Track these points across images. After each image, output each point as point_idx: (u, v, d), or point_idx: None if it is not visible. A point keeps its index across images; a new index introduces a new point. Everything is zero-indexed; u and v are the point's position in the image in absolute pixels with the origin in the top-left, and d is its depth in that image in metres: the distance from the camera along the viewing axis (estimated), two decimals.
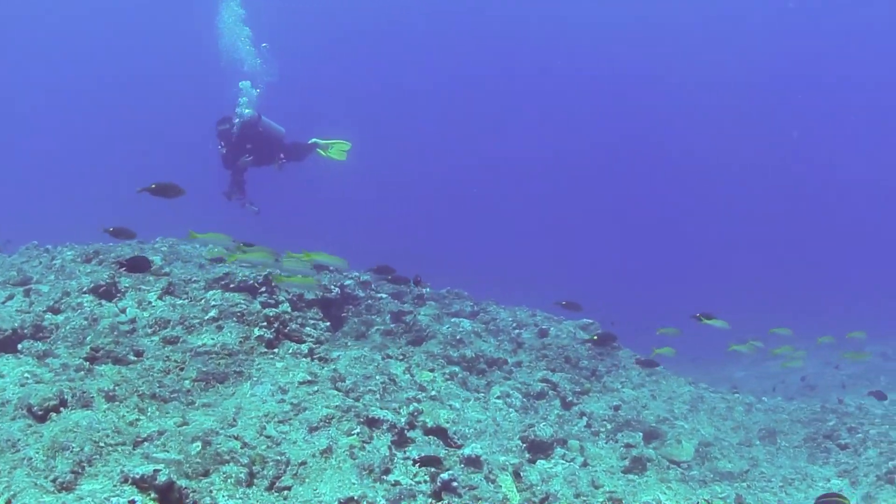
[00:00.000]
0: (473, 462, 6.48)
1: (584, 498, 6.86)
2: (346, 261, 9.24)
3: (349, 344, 9.41)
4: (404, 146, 73.52)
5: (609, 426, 9.55)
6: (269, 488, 5.37)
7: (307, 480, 5.50)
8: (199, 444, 5.45)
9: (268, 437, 5.91)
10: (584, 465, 7.84)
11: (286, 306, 8.95)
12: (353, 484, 5.50)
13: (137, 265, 7.96)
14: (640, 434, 9.22)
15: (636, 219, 68.74)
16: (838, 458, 9.79)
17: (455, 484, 5.95)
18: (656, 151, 73.55)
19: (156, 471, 4.71)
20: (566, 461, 7.70)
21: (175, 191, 8.25)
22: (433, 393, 8.13)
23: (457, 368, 9.37)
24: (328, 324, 9.32)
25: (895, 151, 69.08)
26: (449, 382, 8.90)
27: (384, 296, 11.04)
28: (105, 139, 68.33)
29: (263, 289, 9.01)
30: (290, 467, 5.59)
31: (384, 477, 5.81)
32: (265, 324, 7.89)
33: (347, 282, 10.65)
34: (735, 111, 70.79)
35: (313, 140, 14.43)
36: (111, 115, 67.80)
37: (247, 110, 13.03)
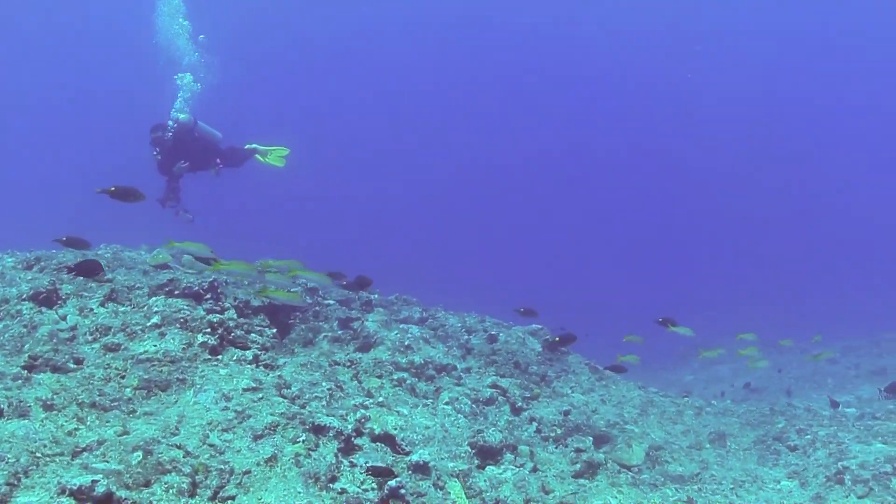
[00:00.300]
0: (421, 469, 6.41)
1: (535, 503, 6.83)
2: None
3: (296, 351, 9.30)
4: (355, 150, 73.52)
5: (559, 431, 9.54)
6: (213, 498, 5.26)
7: (252, 489, 5.39)
8: (139, 453, 5.31)
9: (211, 445, 5.79)
10: (534, 470, 7.81)
11: (232, 313, 8.82)
12: (299, 492, 5.41)
13: (89, 269, 7.80)
14: (591, 438, 9.21)
15: (592, 225, 69.40)
16: (788, 460, 9.87)
17: (403, 491, 5.88)
18: (613, 157, 74.35)
19: (94, 481, 4.59)
20: (516, 467, 7.65)
21: (135, 195, 8.11)
22: (381, 399, 8.05)
23: (405, 375, 9.29)
24: (275, 330, 9.20)
25: (860, 157, 70.41)
26: (397, 389, 8.83)
27: (332, 302, 10.94)
28: (62, 144, 67.51)
29: (209, 295, 8.86)
30: (234, 476, 5.48)
31: (330, 485, 5.73)
32: (209, 330, 7.76)
33: (294, 288, 10.53)
34: (695, 117, 71.84)
35: (252, 145, 14.26)
36: (65, 120, 67.01)
37: (182, 115, 12.81)
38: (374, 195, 70.52)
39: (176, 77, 14.19)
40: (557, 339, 10.83)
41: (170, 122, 12.60)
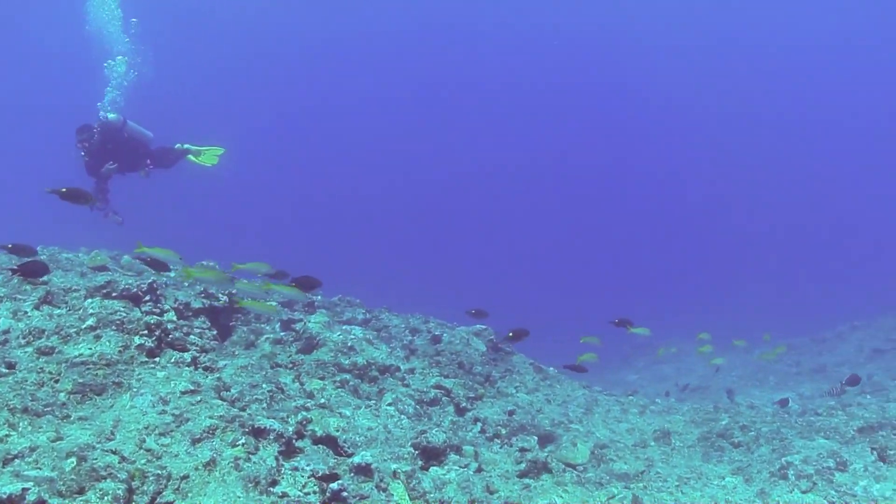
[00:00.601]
0: (364, 470, 6.33)
1: (480, 503, 6.80)
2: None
3: (237, 353, 9.16)
4: (301, 152, 73.13)
5: (504, 431, 9.53)
6: None
7: (190, 495, 5.28)
8: (73, 459, 5.17)
9: (148, 450, 5.66)
10: (479, 470, 7.78)
11: (172, 315, 8.67)
12: (239, 497, 5.31)
13: (35, 270, 7.60)
14: (535, 438, 9.22)
15: (543, 226, 69.82)
16: (732, 456, 9.96)
17: (345, 494, 5.80)
18: (567, 159, 74.92)
19: (25, 489, 4.46)
20: (460, 467, 7.62)
21: (85, 198, 7.96)
22: (322, 401, 7.97)
23: (348, 376, 9.21)
24: (215, 332, 9.05)
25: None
26: (340, 390, 8.75)
27: (274, 303, 10.81)
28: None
29: (148, 297, 8.70)
30: (171, 482, 5.35)
31: (271, 489, 5.62)
32: (146, 332, 7.59)
33: (236, 290, 10.38)
34: (651, 120, 72.72)
35: (184, 146, 13.99)
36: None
37: (111, 115, 12.51)
38: (317, 196, 70.24)
39: (105, 65, 13.87)
40: (511, 333, 10.81)
41: (98, 121, 12.30)
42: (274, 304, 9.54)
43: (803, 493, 8.40)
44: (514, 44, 68.63)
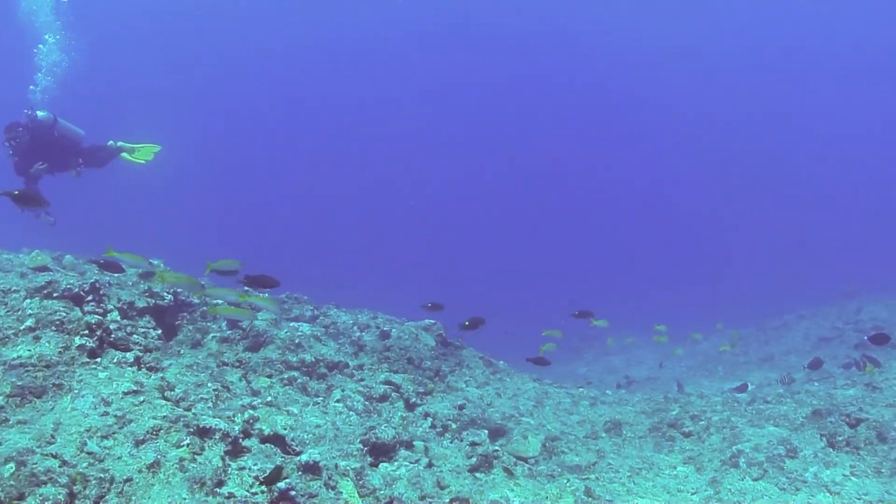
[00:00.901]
0: (312, 468, 6.26)
1: (430, 499, 6.77)
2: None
3: (182, 352, 9.01)
4: (249, 148, 72.58)
5: (454, 426, 9.50)
6: None
7: (134, 498, 5.17)
8: (12, 465, 5.02)
9: (90, 453, 5.53)
10: (429, 465, 7.75)
11: (115, 314, 8.51)
12: (184, 499, 5.22)
13: None
14: (486, 432, 9.20)
15: (489, 219, 70.01)
16: (683, 446, 10.04)
17: (293, 493, 5.74)
18: (519, 152, 75.22)
19: None
20: (410, 463, 7.58)
21: (37, 201, 7.80)
22: (270, 399, 7.87)
23: (296, 373, 9.13)
24: (160, 332, 8.90)
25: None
26: (287, 388, 8.66)
27: (220, 302, 10.66)
28: None
29: (90, 297, 8.52)
30: (114, 485, 5.24)
31: (217, 490, 5.53)
32: (87, 332, 7.41)
33: (180, 288, 10.23)
34: (603, 113, 73.27)
35: (118, 143, 13.66)
36: None
37: (40, 112, 12.16)
38: (265, 193, 69.75)
39: (35, 50, 13.51)
40: (467, 322, 10.79)
41: (26, 119, 11.95)
42: (247, 309, 9.45)
43: (755, 480, 8.50)
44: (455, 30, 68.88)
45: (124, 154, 13.61)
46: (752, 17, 63.63)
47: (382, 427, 7.84)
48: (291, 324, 10.89)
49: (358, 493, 6.32)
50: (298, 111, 75.55)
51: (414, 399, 10.16)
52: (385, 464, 7.44)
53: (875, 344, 11.76)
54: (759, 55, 68.95)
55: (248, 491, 5.71)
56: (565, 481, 7.93)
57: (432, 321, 13.24)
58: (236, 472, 5.92)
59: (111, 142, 13.52)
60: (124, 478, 5.30)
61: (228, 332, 10.01)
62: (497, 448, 8.41)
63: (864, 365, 13.47)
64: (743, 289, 40.18)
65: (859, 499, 8.12)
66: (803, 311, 24.56)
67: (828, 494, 8.17)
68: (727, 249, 59.36)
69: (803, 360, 17.91)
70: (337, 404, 8.57)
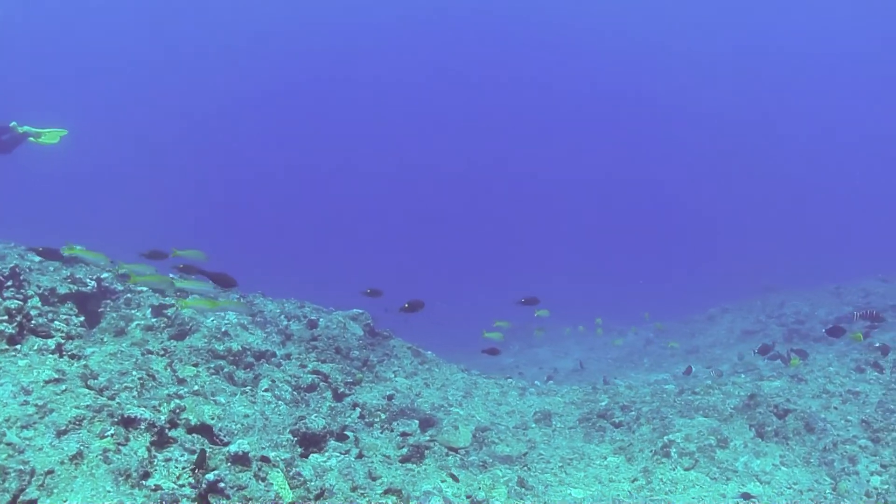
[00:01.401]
0: (241, 459, 6.10)
1: (362, 491, 6.67)
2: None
3: (105, 340, 8.76)
4: (184, 135, 71.57)
5: (383, 416, 9.43)
6: (12, 503, 4.81)
7: (56, 491, 4.97)
8: None
9: (9, 444, 5.30)
10: (360, 456, 7.67)
11: (36, 300, 8.22)
12: (109, 492, 5.04)
13: None
14: (417, 422, 9.15)
15: (423, 211, 70.04)
16: (613, 436, 10.11)
17: (222, 485, 5.58)
18: (452, 143, 75.42)
19: None
20: (341, 453, 7.48)
21: None
22: (196, 388, 7.69)
23: (223, 362, 8.96)
24: (83, 319, 8.63)
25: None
26: (214, 377, 8.49)
27: (144, 289, 10.39)
28: None
29: (10, 282, 8.22)
30: (35, 477, 5.03)
31: (143, 482, 5.36)
32: (6, 318, 7.13)
33: (104, 275, 9.93)
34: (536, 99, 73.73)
35: (23, 128, 13.14)
36: None
37: None
38: (190, 182, 68.86)
39: None
40: (407, 304, 10.69)
41: None
42: (169, 279, 9.34)
43: (686, 470, 8.60)
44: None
45: (31, 138, 13.08)
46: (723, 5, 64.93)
47: (312, 417, 7.72)
48: (217, 312, 10.67)
49: (288, 484, 6.19)
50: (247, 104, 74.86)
51: (342, 389, 10.07)
52: (315, 454, 7.33)
53: (832, 336, 12.00)
54: (714, 47, 70.26)
55: (175, 483, 5.55)
56: (498, 472, 7.92)
57: (360, 311, 13.13)
58: (163, 463, 5.75)
59: (14, 123, 12.97)
60: (46, 469, 5.10)
61: (153, 319, 9.76)
62: (428, 438, 8.36)
63: (788, 358, 13.74)
64: (670, 283, 40.82)
65: (789, 488, 8.28)
66: (727, 305, 24.97)
67: (758, 484, 8.31)
68: (657, 245, 60.26)
69: (728, 352, 18.24)
70: (265, 394, 8.43)
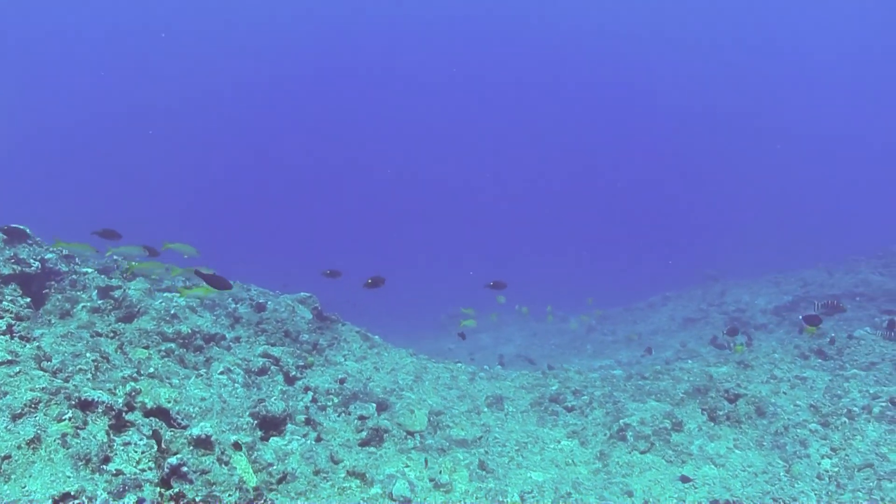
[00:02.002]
0: (203, 443, 5.93)
1: (325, 474, 6.55)
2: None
3: (53, 322, 8.46)
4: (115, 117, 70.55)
5: (336, 399, 9.29)
6: None
7: (13, 477, 4.75)
8: None
9: None
10: (319, 439, 7.52)
11: None
12: (69, 477, 4.83)
13: None
14: (374, 405, 9.03)
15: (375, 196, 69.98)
16: (566, 420, 10.10)
17: (185, 469, 5.41)
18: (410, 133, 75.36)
19: None
20: (300, 437, 7.33)
21: None
22: (152, 370, 7.47)
23: (172, 345, 8.72)
24: (29, 300, 8.32)
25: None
26: (166, 360, 8.27)
27: (90, 270, 10.08)
28: None
29: None
30: None
31: (104, 466, 5.16)
32: None
33: (49, 255, 9.60)
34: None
35: None
36: None
37: None
38: (142, 163, 68.10)
39: None
40: (370, 280, 10.54)
41: None
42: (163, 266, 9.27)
43: (642, 453, 8.62)
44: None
45: None
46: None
47: (272, 400, 7.57)
48: (165, 294, 10.41)
49: (252, 468, 6.04)
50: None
51: (294, 373, 9.90)
52: (276, 438, 7.18)
53: (808, 324, 12.13)
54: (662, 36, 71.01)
55: (136, 467, 5.36)
56: (459, 455, 7.85)
57: (308, 294, 12.95)
58: (122, 447, 5.55)
59: None
60: (2, 455, 4.88)
61: (100, 301, 9.48)
62: (387, 422, 8.25)
63: (731, 344, 13.91)
64: (612, 271, 41.19)
65: (744, 470, 8.35)
66: (668, 293, 25.24)
67: (713, 466, 8.36)
68: (602, 233, 60.82)
69: (670, 339, 18.43)
70: (221, 377, 8.24)
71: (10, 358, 6.05)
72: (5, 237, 9.14)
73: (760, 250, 37.91)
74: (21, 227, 8.88)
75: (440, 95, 77.69)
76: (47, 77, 67.85)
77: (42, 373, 6.04)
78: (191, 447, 5.89)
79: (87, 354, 6.90)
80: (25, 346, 6.61)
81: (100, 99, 70.09)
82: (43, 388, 5.65)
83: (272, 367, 9.72)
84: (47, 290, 9.25)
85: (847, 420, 9.34)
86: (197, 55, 70.82)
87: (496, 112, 77.30)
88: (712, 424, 9.48)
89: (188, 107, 72.61)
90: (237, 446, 6.23)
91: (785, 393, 10.49)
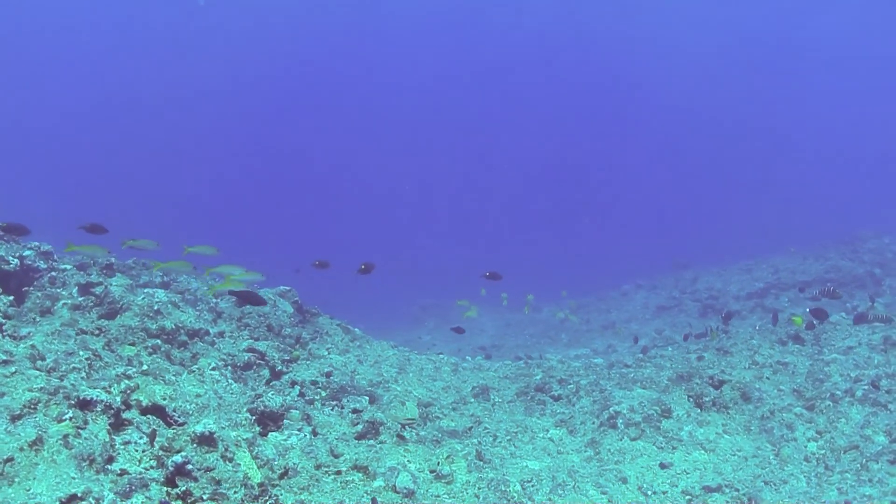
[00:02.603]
0: (207, 440, 5.81)
1: (326, 468, 6.45)
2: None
3: (38, 320, 8.26)
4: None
5: (323, 393, 9.20)
6: None
7: (17, 480, 4.61)
8: None
9: None
10: (314, 434, 7.42)
11: None
12: (73, 478, 4.71)
13: None
14: (367, 398, 8.95)
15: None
16: (554, 409, 10.07)
17: (190, 466, 5.29)
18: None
19: None
20: (296, 431, 7.23)
21: None
22: (145, 367, 7.32)
23: (158, 341, 8.56)
24: (11, 298, 8.12)
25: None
26: (154, 356, 8.11)
27: (68, 267, 9.86)
28: None
29: None
30: None
31: (108, 466, 5.04)
32: None
33: (27, 252, 9.38)
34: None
35: None
36: None
37: None
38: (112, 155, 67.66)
39: None
40: (363, 266, 10.46)
41: None
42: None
43: (633, 440, 8.60)
44: None
45: None
46: None
47: (269, 395, 7.45)
48: (146, 290, 10.22)
49: (255, 464, 5.93)
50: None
51: (280, 367, 9.80)
52: (275, 433, 7.06)
53: (816, 318, 12.21)
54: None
55: (140, 467, 5.24)
56: (456, 446, 7.79)
57: (287, 287, 12.82)
58: (122, 446, 5.42)
59: None
60: (4, 457, 4.73)
61: (80, 298, 9.27)
62: (381, 415, 8.16)
63: (708, 331, 14.00)
64: (582, 259, 41.32)
65: (734, 455, 8.38)
66: (641, 282, 25.34)
67: (704, 452, 8.38)
68: (574, 222, 61.05)
69: (645, 327, 18.49)
70: (213, 373, 8.09)
71: (4, 358, 5.88)
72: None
73: (730, 238, 38.23)
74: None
75: (416, 92, 77.71)
76: (35, 72, 67.17)
77: (38, 372, 5.89)
78: (194, 444, 5.77)
79: (81, 353, 6.74)
80: (19, 345, 6.44)
81: (79, 96, 69.44)
82: (41, 388, 5.51)
83: (258, 362, 9.60)
84: (26, 288, 9.03)
85: (831, 403, 9.40)
86: (162, 48, 70.20)
87: (465, 104, 77.38)
88: (699, 411, 9.50)
89: (162, 103, 72.00)
90: (238, 443, 6.11)
91: (768, 378, 10.54)
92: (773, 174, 66.55)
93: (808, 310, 12.47)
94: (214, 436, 5.85)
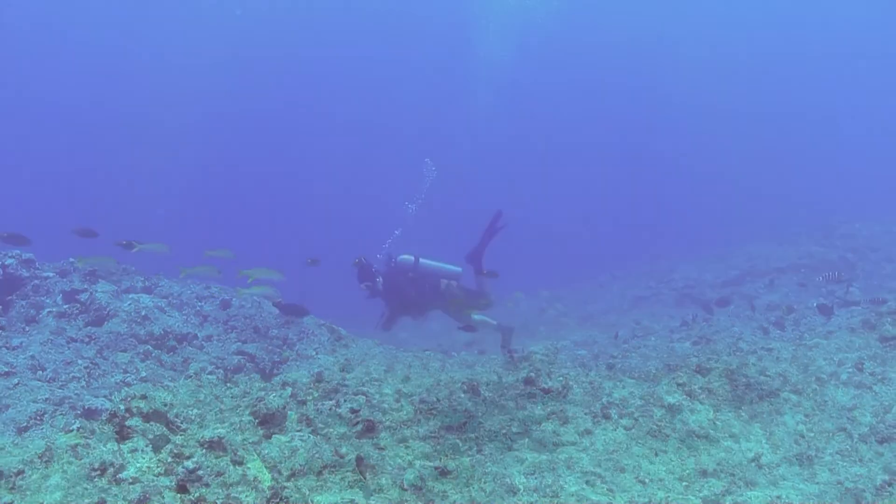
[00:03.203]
0: (216, 445, 5.72)
1: (332, 469, 6.38)
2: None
3: (27, 329, 8.11)
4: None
5: (316, 394, 9.11)
6: None
7: (29, 493, 4.52)
8: None
9: None
10: (315, 434, 7.34)
11: None
12: (87, 489, 4.62)
13: None
14: (363, 397, 8.87)
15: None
16: (544, 401, 10.03)
17: (201, 472, 5.20)
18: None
19: None
20: (297, 432, 7.15)
21: None
22: (143, 374, 7.22)
23: (149, 347, 8.45)
24: (0, 307, 7.98)
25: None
26: (148, 362, 8.00)
27: (51, 274, 9.70)
28: None
29: None
30: (4, 480, 4.57)
31: (119, 475, 4.94)
32: None
33: (9, 261, 9.22)
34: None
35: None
36: None
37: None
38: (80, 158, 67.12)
39: None
40: (357, 260, 10.48)
41: None
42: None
43: (627, 430, 8.61)
44: None
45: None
46: None
47: (271, 396, 7.36)
48: (131, 295, 10.09)
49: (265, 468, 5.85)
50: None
51: (270, 368, 9.71)
52: (278, 435, 6.98)
53: (821, 314, 12.29)
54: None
55: (150, 475, 5.14)
56: (458, 442, 7.76)
57: (270, 288, 12.72)
58: (130, 454, 5.33)
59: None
60: (14, 471, 4.63)
61: (65, 305, 9.13)
62: (379, 413, 8.10)
63: (692, 319, 14.10)
64: (559, 251, 41.41)
65: (725, 440, 8.42)
66: (616, 273, 25.38)
67: (696, 439, 8.41)
68: (547, 215, 61.22)
69: (623, 318, 18.50)
70: (210, 377, 7.98)
71: (6, 369, 5.76)
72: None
73: (704, 229, 38.53)
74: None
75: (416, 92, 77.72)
76: (34, 73, 66.37)
77: (40, 383, 5.78)
78: (203, 450, 5.68)
79: (79, 361, 6.62)
80: (19, 356, 6.32)
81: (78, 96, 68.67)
82: (46, 399, 5.40)
83: (248, 364, 9.53)
84: (10, 297, 8.87)
85: (817, 387, 9.48)
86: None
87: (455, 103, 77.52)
88: (689, 399, 9.54)
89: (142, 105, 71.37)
90: (245, 447, 6.03)
91: (754, 364, 10.61)
92: (747, 165, 67.13)
93: (815, 304, 12.56)
94: (223, 440, 5.77)
